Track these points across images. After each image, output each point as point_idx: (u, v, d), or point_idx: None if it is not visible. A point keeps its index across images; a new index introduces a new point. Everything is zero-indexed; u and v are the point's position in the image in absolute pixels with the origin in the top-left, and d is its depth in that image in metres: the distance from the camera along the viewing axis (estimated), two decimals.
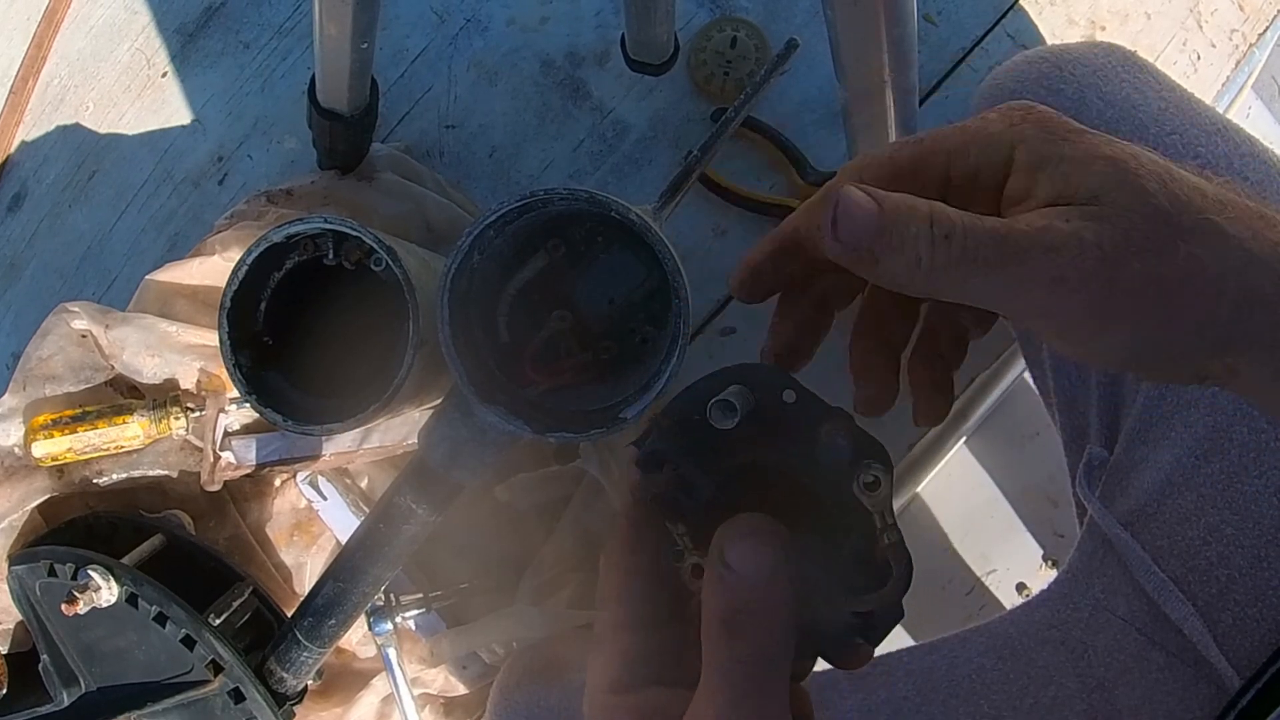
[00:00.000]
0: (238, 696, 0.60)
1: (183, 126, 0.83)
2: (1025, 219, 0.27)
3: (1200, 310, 0.27)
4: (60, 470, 0.69)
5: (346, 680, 0.75)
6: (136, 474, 0.70)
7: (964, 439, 0.98)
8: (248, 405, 0.58)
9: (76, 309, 0.69)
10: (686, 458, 0.29)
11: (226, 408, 0.70)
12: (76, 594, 0.58)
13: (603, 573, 0.32)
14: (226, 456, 0.70)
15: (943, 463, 0.97)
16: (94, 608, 0.59)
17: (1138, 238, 0.26)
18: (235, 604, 0.63)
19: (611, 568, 0.32)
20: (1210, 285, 0.26)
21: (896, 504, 0.91)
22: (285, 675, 0.60)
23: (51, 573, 0.61)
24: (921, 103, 0.78)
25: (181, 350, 0.70)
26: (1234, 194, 0.28)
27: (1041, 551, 1.00)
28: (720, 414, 0.28)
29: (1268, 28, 0.79)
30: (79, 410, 0.68)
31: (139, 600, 0.60)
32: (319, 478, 0.73)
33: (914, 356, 0.34)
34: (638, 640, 0.30)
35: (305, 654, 0.59)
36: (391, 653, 0.69)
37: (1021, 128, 0.28)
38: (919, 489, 0.99)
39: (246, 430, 0.71)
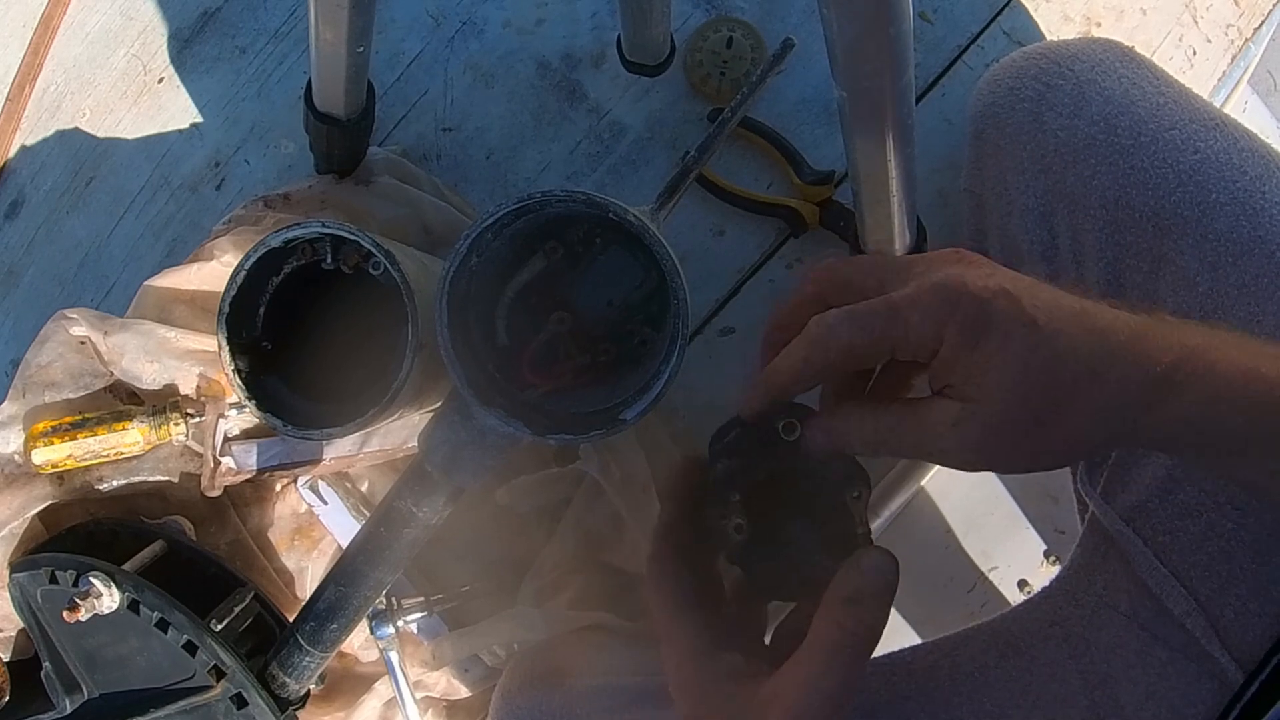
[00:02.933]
0: (240, 702, 0.59)
1: (179, 132, 0.83)
2: (918, 414, 0.37)
3: (1086, 407, 0.35)
4: (60, 477, 0.69)
5: (349, 684, 0.75)
6: (137, 480, 0.70)
7: None
8: (247, 410, 0.58)
9: (75, 315, 0.69)
10: (754, 450, 0.42)
11: (226, 413, 0.70)
12: (78, 601, 0.58)
13: (655, 564, 0.41)
14: (227, 462, 0.70)
15: None
16: (95, 614, 0.59)
17: (1007, 426, 0.36)
18: (237, 609, 0.63)
19: (666, 558, 0.41)
20: (1085, 383, 0.35)
21: (900, 499, 0.91)
22: (287, 680, 0.60)
23: (53, 580, 0.61)
24: (918, 101, 0.78)
25: (180, 356, 0.70)
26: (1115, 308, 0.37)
27: (1043, 548, 1.00)
28: (788, 430, 0.41)
29: (1263, 22, 0.79)
30: (79, 417, 0.68)
31: (140, 607, 0.60)
32: (319, 482, 0.73)
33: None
34: (699, 616, 0.40)
35: (307, 659, 0.59)
36: (394, 656, 0.69)
37: (954, 316, 0.36)
38: (920, 485, 0.99)
39: (246, 435, 0.71)
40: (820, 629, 0.36)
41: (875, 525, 0.88)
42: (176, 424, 0.68)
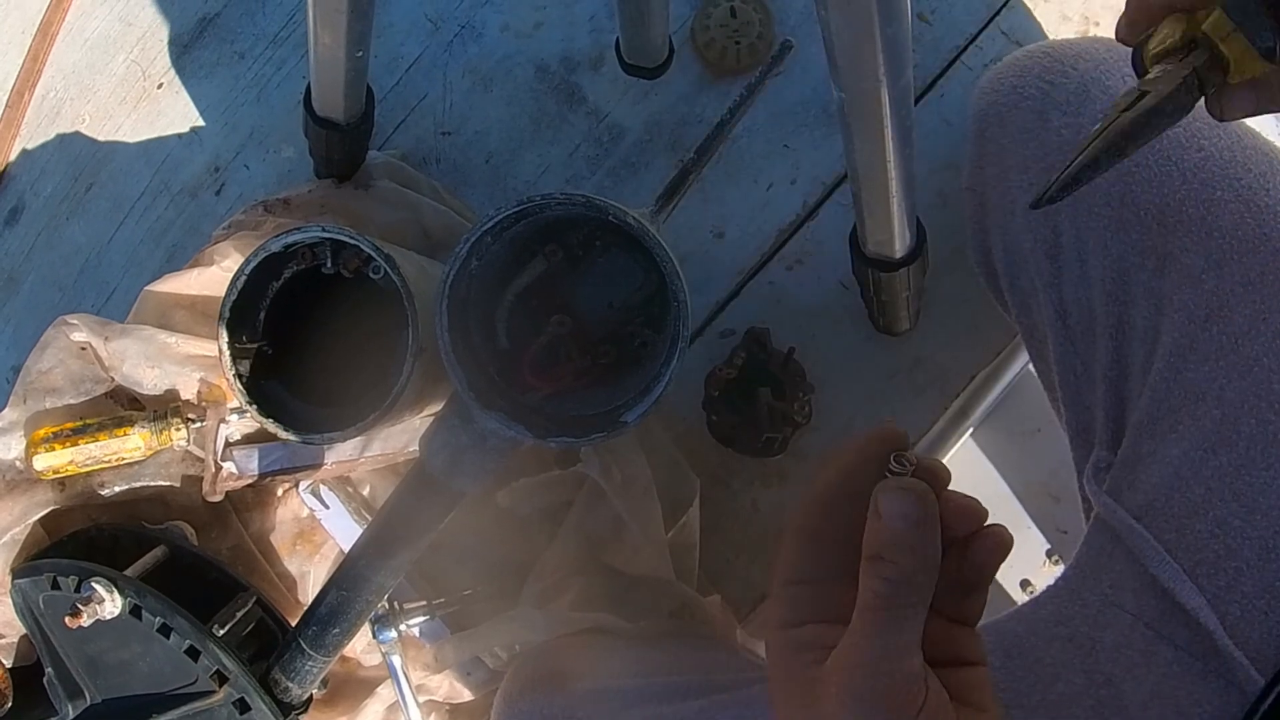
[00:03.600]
0: (243, 707, 0.59)
1: (179, 137, 0.83)
2: None
3: None
4: (62, 483, 0.69)
5: (351, 688, 0.74)
6: (138, 485, 0.70)
7: (965, 436, 0.98)
8: (248, 415, 0.58)
9: (75, 321, 0.69)
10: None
11: (227, 418, 0.69)
12: (80, 606, 0.58)
13: (785, 540, 0.38)
14: (228, 467, 0.69)
15: (945, 460, 0.97)
16: (98, 620, 0.59)
17: None
18: (239, 614, 0.63)
19: (793, 534, 0.38)
20: None
21: None
22: (290, 685, 0.60)
23: (55, 585, 0.61)
24: (917, 101, 0.78)
25: (181, 361, 0.70)
26: None
27: (1046, 548, 0.99)
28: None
29: None
30: (80, 423, 0.68)
31: (142, 612, 0.60)
32: (321, 486, 0.73)
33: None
34: (802, 590, 0.37)
35: (310, 663, 0.59)
36: (396, 660, 0.69)
37: None
38: None
39: (248, 440, 0.71)
40: (860, 591, 0.34)
41: None
42: (178, 429, 0.68)
